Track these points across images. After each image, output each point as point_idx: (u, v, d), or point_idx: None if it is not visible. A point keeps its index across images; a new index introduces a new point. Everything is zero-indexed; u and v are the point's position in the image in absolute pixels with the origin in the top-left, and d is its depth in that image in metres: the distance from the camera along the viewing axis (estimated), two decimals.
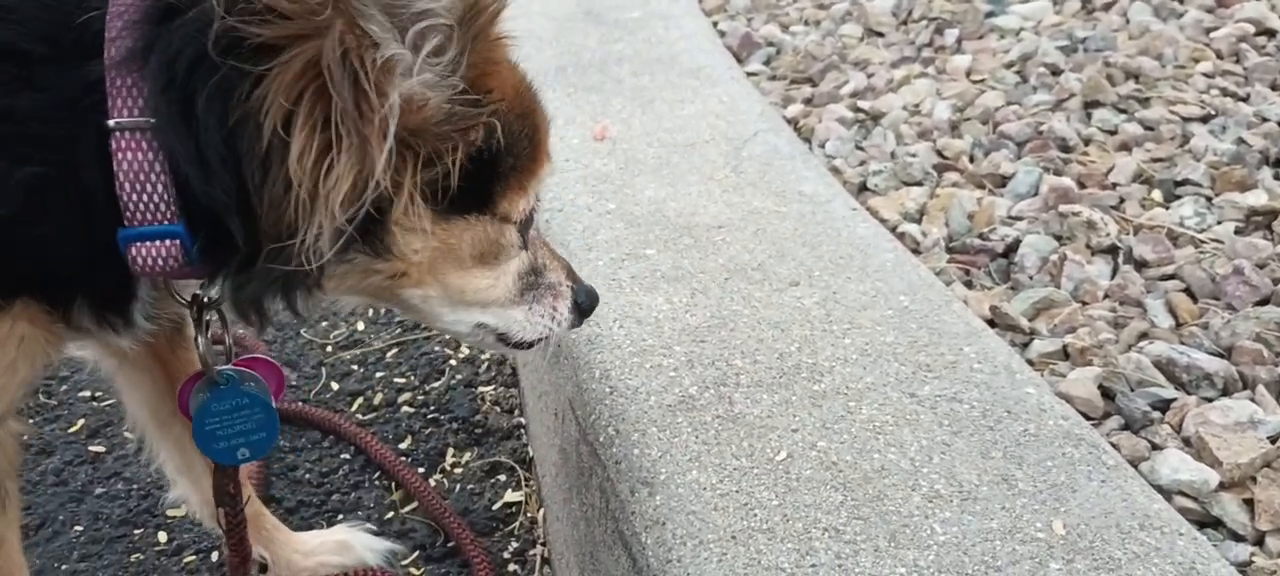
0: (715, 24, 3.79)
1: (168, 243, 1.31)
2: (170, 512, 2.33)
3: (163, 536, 2.30)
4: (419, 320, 1.61)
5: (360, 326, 2.98)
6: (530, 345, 1.65)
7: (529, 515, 2.32)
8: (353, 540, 2.18)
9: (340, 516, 2.32)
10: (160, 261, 1.32)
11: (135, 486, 2.43)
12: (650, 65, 3.14)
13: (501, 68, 1.42)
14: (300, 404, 2.65)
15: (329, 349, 2.89)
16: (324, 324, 2.98)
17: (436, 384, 2.74)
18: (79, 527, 2.33)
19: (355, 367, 2.82)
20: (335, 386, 2.75)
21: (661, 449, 1.63)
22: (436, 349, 2.86)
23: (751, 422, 1.67)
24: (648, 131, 2.70)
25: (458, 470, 2.47)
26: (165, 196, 1.29)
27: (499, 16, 1.35)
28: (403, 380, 2.76)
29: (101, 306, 1.41)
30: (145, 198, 1.29)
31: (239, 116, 1.22)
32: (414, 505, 2.35)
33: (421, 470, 2.45)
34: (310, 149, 1.23)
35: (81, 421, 2.66)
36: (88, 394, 2.73)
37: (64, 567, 2.22)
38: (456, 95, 1.32)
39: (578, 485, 1.89)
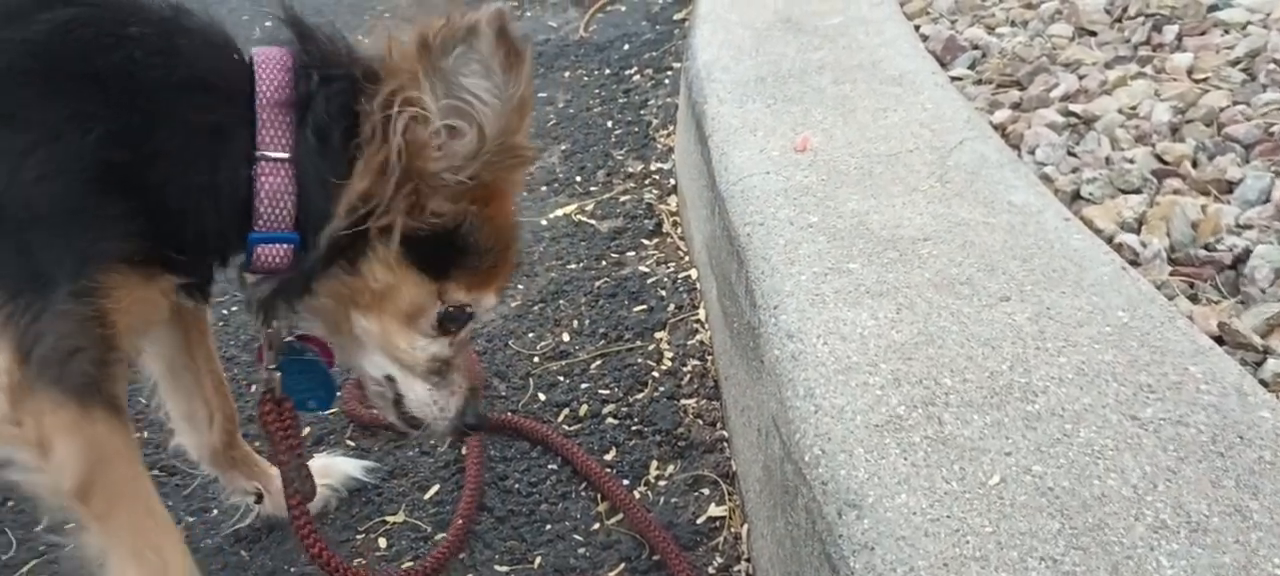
0: (917, 28, 3.71)
1: (285, 246, 1.76)
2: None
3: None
4: (352, 359, 1.98)
5: (566, 337, 3.05)
6: (417, 422, 2.01)
7: (733, 530, 2.33)
8: (331, 464, 2.55)
9: (547, 526, 2.39)
10: (276, 260, 1.76)
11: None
12: (851, 73, 3.11)
13: (504, 199, 1.87)
14: (510, 414, 2.73)
15: (536, 360, 2.98)
16: (530, 335, 3.07)
17: (640, 396, 2.78)
18: None
19: (561, 379, 2.89)
20: (542, 397, 2.83)
21: (869, 470, 1.61)
22: (639, 361, 2.91)
23: (962, 444, 1.63)
24: (849, 142, 2.67)
25: (661, 482, 2.50)
26: (292, 211, 1.73)
27: (524, 162, 1.84)
28: (607, 391, 2.82)
29: (195, 286, 1.84)
30: (278, 211, 1.72)
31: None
32: (619, 517, 2.39)
33: (626, 482, 2.50)
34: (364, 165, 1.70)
35: None
36: None
37: None
38: (459, 177, 1.73)
39: (782, 503, 1.89)
